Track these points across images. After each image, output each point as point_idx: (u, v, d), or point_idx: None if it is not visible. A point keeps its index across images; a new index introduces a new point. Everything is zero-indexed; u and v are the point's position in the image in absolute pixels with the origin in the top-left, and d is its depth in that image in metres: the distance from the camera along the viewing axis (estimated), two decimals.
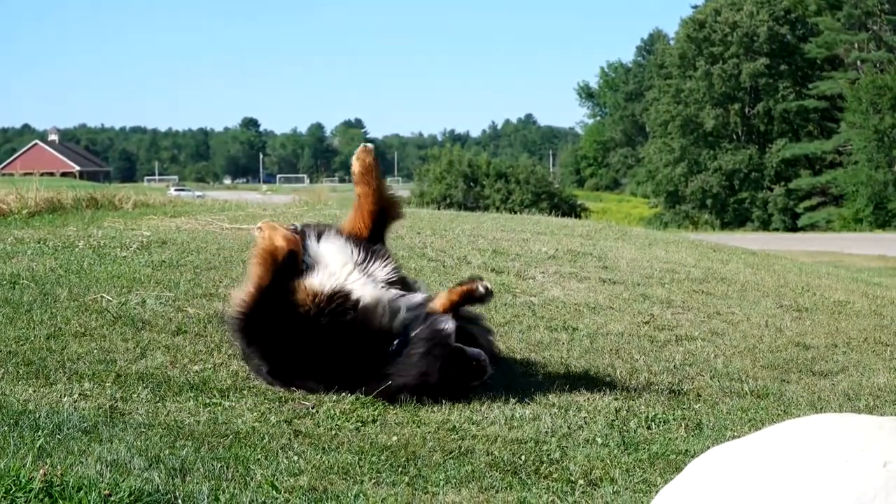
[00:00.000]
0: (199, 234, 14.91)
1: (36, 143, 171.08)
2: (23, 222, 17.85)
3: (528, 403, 7.82)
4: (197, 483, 5.40)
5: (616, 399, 8.25)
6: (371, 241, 8.57)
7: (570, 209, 75.99)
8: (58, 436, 6.08)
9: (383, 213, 8.91)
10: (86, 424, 6.41)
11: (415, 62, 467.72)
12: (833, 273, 19.06)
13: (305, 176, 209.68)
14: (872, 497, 3.51)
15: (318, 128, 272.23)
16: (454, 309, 8.28)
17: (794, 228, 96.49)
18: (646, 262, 15.59)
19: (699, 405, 8.35)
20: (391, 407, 7.54)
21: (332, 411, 7.33)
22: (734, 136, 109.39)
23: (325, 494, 5.52)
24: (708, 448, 4.27)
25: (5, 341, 8.43)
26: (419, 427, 7.09)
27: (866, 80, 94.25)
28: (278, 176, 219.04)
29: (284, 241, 8.10)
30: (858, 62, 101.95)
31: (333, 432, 6.86)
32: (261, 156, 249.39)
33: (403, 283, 8.36)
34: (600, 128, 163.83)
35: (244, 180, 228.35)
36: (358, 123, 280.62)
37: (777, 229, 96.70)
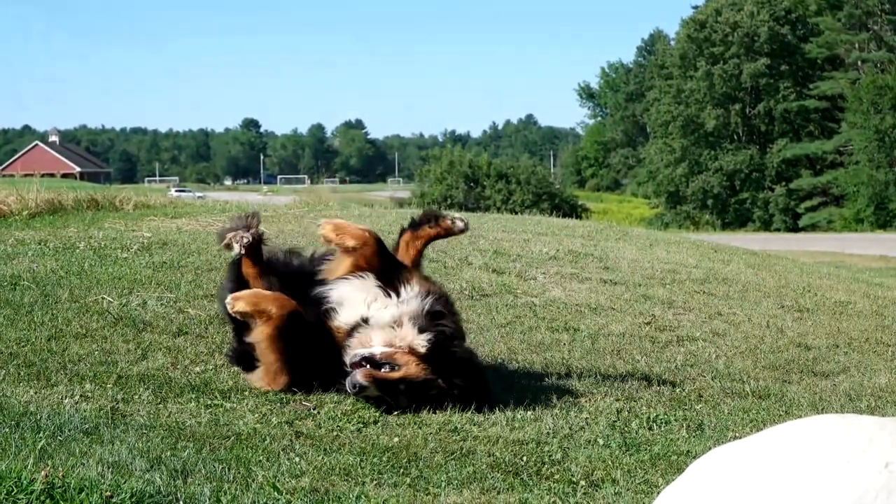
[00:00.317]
0: (199, 236, 14.90)
1: (36, 145, 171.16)
2: (23, 223, 17.85)
3: (530, 404, 7.82)
4: (198, 484, 5.40)
5: (617, 400, 8.25)
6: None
7: (571, 210, 75.99)
8: (59, 437, 6.08)
9: None
10: (87, 426, 6.41)
11: (415, 63, 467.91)
12: (834, 273, 19.06)
13: (306, 177, 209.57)
14: (874, 498, 3.51)
15: (318, 128, 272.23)
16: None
17: (795, 229, 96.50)
18: (647, 263, 15.59)
19: (700, 406, 8.35)
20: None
21: (334, 412, 7.33)
22: (735, 137, 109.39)
23: (327, 496, 5.51)
24: (709, 449, 4.27)
25: (6, 343, 8.44)
26: (421, 428, 7.09)
27: (867, 80, 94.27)
28: (279, 177, 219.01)
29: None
30: (859, 62, 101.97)
31: (335, 433, 6.86)
32: (261, 157, 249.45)
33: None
34: (601, 128, 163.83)
35: (245, 181, 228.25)
36: (358, 124, 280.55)
37: (778, 229, 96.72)
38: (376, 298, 7.98)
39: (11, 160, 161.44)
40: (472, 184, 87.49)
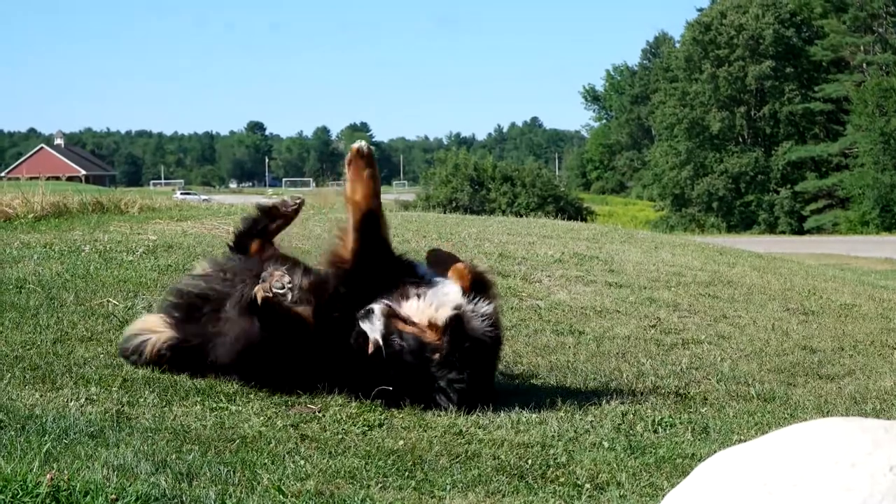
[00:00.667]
0: (205, 239, 14.91)
1: (42, 148, 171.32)
2: (29, 227, 17.84)
3: (535, 407, 7.82)
4: (203, 487, 5.40)
5: (622, 403, 8.24)
6: None
7: (576, 212, 75.92)
8: (64, 440, 6.09)
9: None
10: (92, 429, 6.41)
11: (420, 65, 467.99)
12: (839, 276, 19.06)
13: (311, 179, 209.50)
14: (879, 500, 3.51)
15: (323, 131, 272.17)
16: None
17: (800, 231, 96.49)
18: (652, 266, 15.58)
19: (706, 409, 8.35)
20: (397, 411, 7.54)
21: (339, 415, 7.33)
22: (740, 139, 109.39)
23: (332, 499, 5.52)
24: (714, 452, 4.27)
25: (12, 346, 8.44)
26: (426, 431, 7.09)
27: (872, 82, 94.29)
28: (284, 179, 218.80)
29: None
30: (864, 64, 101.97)
31: (340, 436, 6.86)
32: (266, 159, 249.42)
33: None
34: (606, 131, 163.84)
35: (250, 184, 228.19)
36: (363, 127, 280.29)
37: (783, 232, 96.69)
38: None
39: (17, 163, 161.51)
40: (477, 186, 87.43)
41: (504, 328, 8.71)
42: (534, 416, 7.60)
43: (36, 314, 9.48)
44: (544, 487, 6.07)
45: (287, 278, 7.71)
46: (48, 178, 32.47)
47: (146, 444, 6.16)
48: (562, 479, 6.22)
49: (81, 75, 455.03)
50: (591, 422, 7.58)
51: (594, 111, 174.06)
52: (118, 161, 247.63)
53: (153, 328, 8.30)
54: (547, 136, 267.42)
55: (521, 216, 29.18)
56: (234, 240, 9.05)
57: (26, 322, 9.22)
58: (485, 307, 7.95)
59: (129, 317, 9.56)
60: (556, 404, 7.99)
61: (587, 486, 6.13)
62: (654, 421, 7.74)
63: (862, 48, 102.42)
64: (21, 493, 4.84)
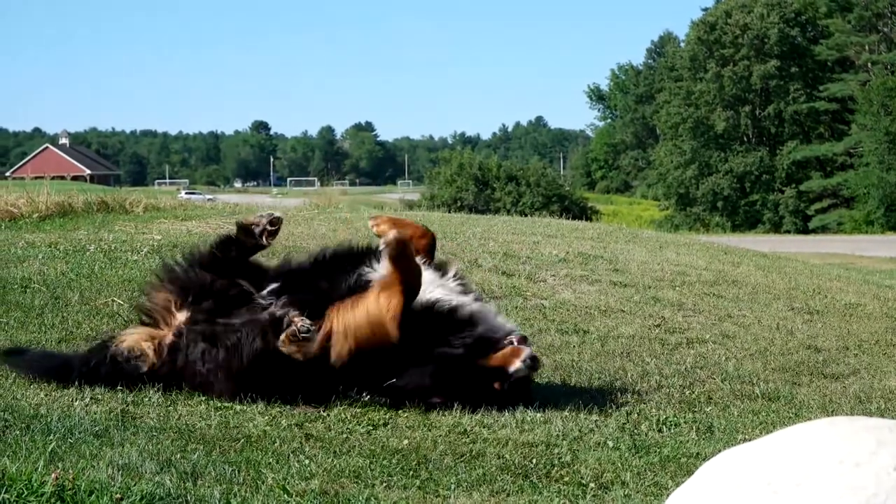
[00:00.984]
0: (209, 238, 14.91)
1: (47, 147, 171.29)
2: (34, 226, 17.87)
3: (539, 407, 7.81)
4: (208, 487, 5.40)
5: (627, 402, 8.24)
6: None
7: (581, 212, 75.86)
8: (69, 440, 6.09)
9: None
10: (97, 428, 6.42)
11: (425, 65, 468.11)
12: (844, 275, 19.04)
13: (316, 179, 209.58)
14: (883, 500, 3.51)
15: (328, 131, 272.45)
16: None
17: (805, 230, 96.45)
18: (657, 265, 15.57)
19: (710, 408, 8.35)
20: (402, 410, 7.54)
21: (343, 415, 7.34)
22: (745, 138, 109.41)
23: (337, 498, 5.51)
24: (719, 451, 4.27)
25: (17, 345, 8.45)
26: (430, 430, 7.09)
27: (877, 81, 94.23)
28: (289, 179, 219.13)
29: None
30: (869, 64, 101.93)
31: (344, 436, 6.87)
32: (271, 159, 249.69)
33: None
34: (611, 130, 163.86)
35: (255, 183, 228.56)
36: (368, 126, 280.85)
37: (788, 231, 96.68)
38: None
39: (22, 163, 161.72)
40: (481, 186, 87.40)
41: None
42: (538, 415, 7.60)
43: (41, 314, 9.49)
44: (549, 486, 6.07)
45: (307, 322, 7.59)
46: (53, 178, 32.49)
47: (151, 444, 6.16)
48: (566, 479, 6.22)
49: (86, 75, 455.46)
50: (596, 421, 7.58)
51: (599, 110, 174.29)
52: (123, 161, 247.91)
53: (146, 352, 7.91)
54: (552, 135, 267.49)
55: (526, 215, 29.18)
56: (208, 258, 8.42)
57: (31, 321, 9.23)
58: None
59: (133, 316, 9.55)
60: (561, 403, 7.99)
61: (592, 485, 6.13)
62: (658, 420, 7.74)
63: (867, 47, 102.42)
64: (26, 493, 4.84)
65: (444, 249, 14.50)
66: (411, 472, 6.13)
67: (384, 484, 5.88)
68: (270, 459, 6.13)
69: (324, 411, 7.40)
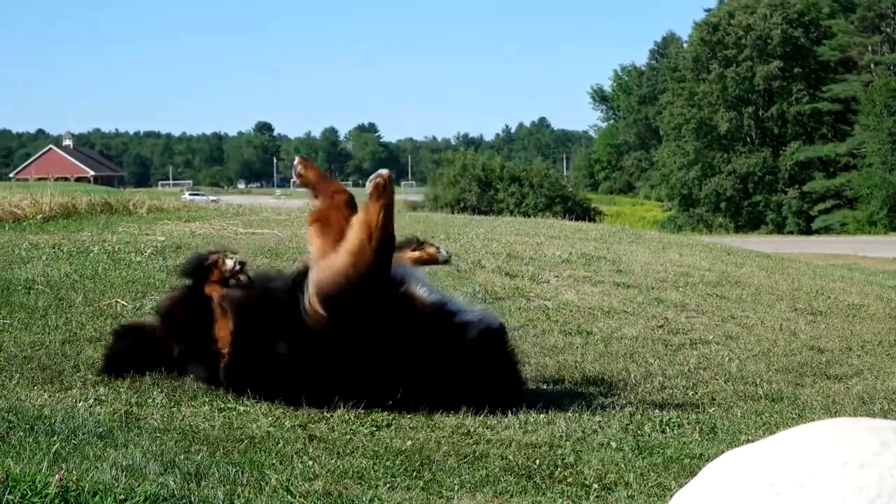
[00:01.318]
0: (213, 239, 14.93)
1: (50, 148, 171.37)
2: (37, 227, 17.88)
3: (543, 408, 7.82)
4: (212, 488, 5.41)
5: (630, 403, 8.25)
6: None
7: (584, 213, 75.92)
8: (73, 441, 6.10)
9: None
10: (101, 429, 6.42)
11: (428, 66, 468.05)
12: (847, 276, 19.05)
13: None
14: (887, 501, 3.51)
15: (331, 132, 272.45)
16: None
17: (808, 231, 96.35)
18: (660, 266, 15.58)
19: (713, 409, 8.35)
20: (405, 411, 7.54)
21: (347, 416, 7.34)
22: (748, 139, 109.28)
23: (340, 499, 5.52)
24: (722, 452, 4.27)
25: (21, 346, 8.46)
26: (434, 431, 7.09)
27: (880, 82, 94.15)
28: (292, 180, 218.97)
29: None
30: (872, 64, 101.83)
31: (348, 437, 6.87)
32: (275, 160, 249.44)
33: None
34: (614, 131, 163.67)
35: (258, 184, 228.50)
36: (371, 127, 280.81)
37: (791, 232, 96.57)
38: None
39: (25, 164, 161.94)
40: (484, 187, 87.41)
41: None
42: (542, 416, 7.61)
43: (45, 315, 9.50)
44: (552, 487, 6.08)
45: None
46: (57, 179, 32.57)
47: (155, 445, 6.17)
48: (570, 480, 6.22)
49: (90, 76, 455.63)
50: (599, 422, 7.59)
51: (602, 111, 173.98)
52: (127, 162, 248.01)
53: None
54: (555, 136, 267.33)
55: (529, 216, 29.23)
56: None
57: (35, 323, 9.24)
58: None
59: (137, 318, 9.57)
60: (564, 404, 7.99)
61: (595, 486, 6.14)
62: (661, 421, 7.75)
63: (870, 48, 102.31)
64: (30, 494, 4.85)
65: (447, 251, 14.48)
66: (415, 473, 6.14)
67: (388, 485, 5.88)
68: (274, 460, 6.13)
69: (327, 412, 7.41)
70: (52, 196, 20.63)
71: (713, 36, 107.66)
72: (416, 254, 8.50)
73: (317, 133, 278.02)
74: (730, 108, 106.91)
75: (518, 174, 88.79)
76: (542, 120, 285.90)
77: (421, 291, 7.81)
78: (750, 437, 7.24)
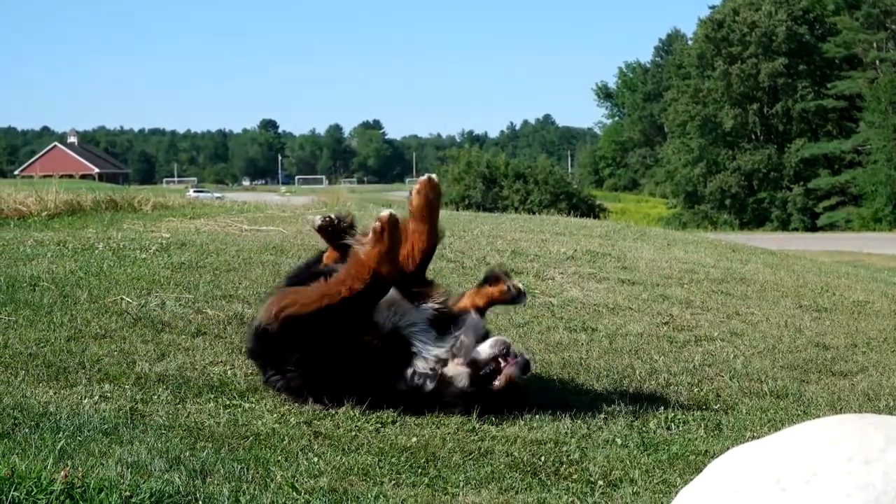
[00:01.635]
0: (218, 236, 14.93)
1: (55, 146, 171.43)
2: (42, 224, 17.91)
3: (548, 404, 7.81)
4: (217, 484, 5.41)
5: (635, 400, 8.24)
6: (416, 278, 8.16)
7: (589, 209, 76.01)
8: (78, 437, 6.10)
9: (432, 250, 8.37)
10: (106, 426, 6.42)
11: (433, 63, 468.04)
12: (852, 273, 19.02)
13: (324, 177, 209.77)
14: (893, 498, 3.51)
15: (336, 129, 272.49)
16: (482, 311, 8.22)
17: (813, 228, 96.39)
18: (665, 263, 15.57)
19: (718, 406, 8.34)
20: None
21: (352, 412, 7.33)
22: (753, 136, 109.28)
23: (345, 496, 5.52)
24: (727, 448, 4.26)
25: (26, 343, 8.46)
26: (439, 428, 7.09)
27: (885, 79, 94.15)
28: (297, 177, 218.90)
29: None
30: (877, 61, 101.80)
31: (353, 433, 6.87)
32: (279, 157, 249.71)
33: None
34: (619, 128, 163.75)
35: (263, 181, 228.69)
36: (376, 124, 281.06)
37: (796, 229, 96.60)
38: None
39: (30, 161, 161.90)
40: (489, 184, 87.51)
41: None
42: (547, 412, 7.60)
43: (50, 312, 9.50)
44: (557, 484, 6.08)
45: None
46: (61, 177, 32.58)
47: (160, 442, 6.17)
48: (575, 476, 6.22)
49: (95, 74, 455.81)
50: (604, 419, 7.58)
51: (607, 108, 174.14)
52: (131, 159, 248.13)
53: None
54: (559, 133, 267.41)
55: (534, 213, 29.18)
56: None
57: (40, 320, 9.23)
58: None
59: (142, 314, 9.57)
60: (569, 401, 7.99)
61: (600, 482, 6.14)
62: (666, 418, 7.74)
63: (875, 45, 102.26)
64: (35, 491, 4.85)
65: (452, 248, 14.53)
66: (420, 470, 6.14)
67: (393, 482, 5.88)
68: (279, 457, 6.13)
69: (332, 409, 7.41)
70: (57, 193, 20.66)
71: (718, 33, 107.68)
72: (490, 289, 8.29)
73: (321, 130, 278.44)
74: (735, 105, 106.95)
75: (523, 171, 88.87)
76: (547, 117, 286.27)
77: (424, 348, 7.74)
78: (755, 434, 7.24)
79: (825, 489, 3.58)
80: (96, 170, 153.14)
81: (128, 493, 4.91)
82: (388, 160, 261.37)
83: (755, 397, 8.76)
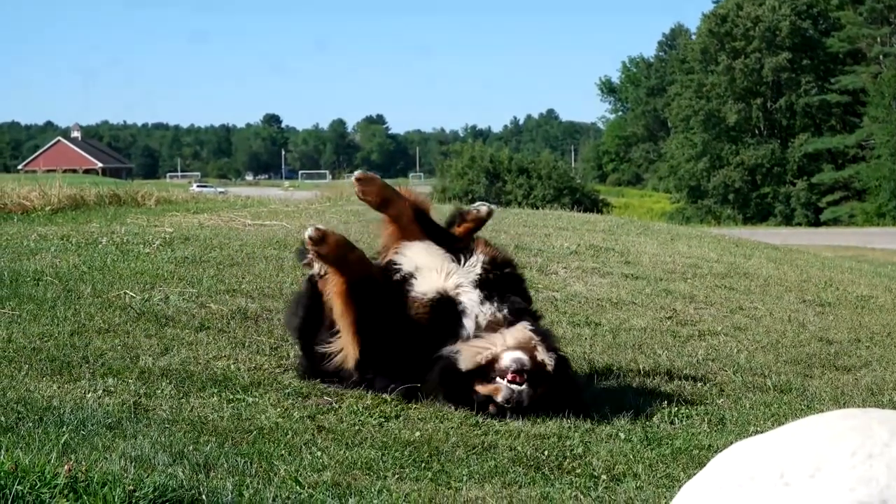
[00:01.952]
0: (221, 231, 14.95)
1: (59, 140, 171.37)
2: (46, 219, 17.91)
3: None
4: (221, 479, 5.41)
5: (639, 394, 8.25)
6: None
7: (592, 204, 75.84)
8: (82, 432, 6.10)
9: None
10: (110, 420, 6.43)
11: (436, 58, 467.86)
12: (856, 268, 19.02)
13: (327, 172, 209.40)
14: None
15: (339, 123, 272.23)
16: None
17: (816, 223, 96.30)
18: (668, 258, 15.57)
19: (722, 400, 8.34)
20: (414, 403, 7.54)
21: (355, 407, 7.34)
22: (756, 131, 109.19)
23: (349, 490, 5.52)
24: (731, 443, 4.26)
25: (30, 338, 8.46)
26: (442, 422, 7.09)
27: (888, 74, 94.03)
28: (300, 172, 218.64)
29: None
30: (881, 56, 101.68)
31: (356, 428, 6.87)
32: (283, 152, 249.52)
33: None
34: (622, 123, 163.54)
35: (266, 176, 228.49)
36: (379, 119, 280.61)
37: (800, 224, 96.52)
38: (450, 269, 7.94)
39: (34, 156, 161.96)
40: (493, 179, 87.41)
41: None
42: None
43: (53, 306, 9.50)
44: (561, 478, 6.08)
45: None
46: (65, 171, 32.64)
47: (163, 436, 6.17)
48: (578, 471, 6.23)
49: (98, 68, 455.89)
50: (608, 413, 7.58)
51: (610, 103, 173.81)
52: (135, 154, 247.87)
53: None
54: (563, 128, 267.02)
55: (538, 208, 29.20)
56: None
57: (44, 314, 9.24)
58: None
59: (145, 309, 9.58)
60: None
61: (603, 477, 6.14)
62: (670, 412, 7.74)
63: (878, 40, 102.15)
64: (39, 484, 4.85)
65: None
66: (423, 464, 6.14)
67: (396, 476, 5.89)
68: (283, 451, 6.14)
69: (336, 403, 7.41)
70: (61, 188, 20.68)
71: (722, 27, 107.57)
72: (462, 228, 8.62)
73: (325, 125, 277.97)
74: (738, 100, 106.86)
75: (526, 166, 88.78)
76: (551, 112, 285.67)
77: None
78: (759, 429, 7.24)
79: (829, 483, 3.58)
80: (100, 164, 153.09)
81: (131, 487, 4.91)
82: (392, 155, 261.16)
83: (759, 392, 8.76)
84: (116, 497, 4.85)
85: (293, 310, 8.60)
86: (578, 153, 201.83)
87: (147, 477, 5.10)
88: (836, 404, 8.39)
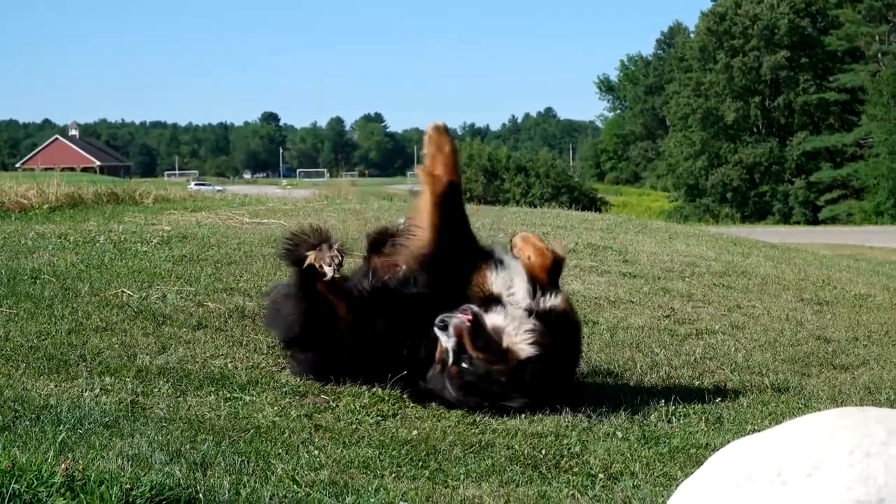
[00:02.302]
0: (219, 229, 14.94)
1: (56, 139, 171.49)
2: (44, 217, 17.90)
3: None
4: (218, 477, 5.41)
5: (636, 393, 8.24)
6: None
7: (590, 203, 75.98)
8: (79, 430, 6.10)
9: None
10: (107, 419, 6.42)
11: (435, 56, 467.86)
12: (854, 266, 19.02)
13: (325, 170, 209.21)
14: (893, 491, 3.51)
15: (337, 122, 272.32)
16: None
17: (814, 221, 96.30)
18: (666, 256, 15.57)
19: (719, 399, 8.34)
20: (411, 401, 7.54)
21: (352, 405, 7.34)
22: (755, 129, 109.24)
23: (346, 488, 5.52)
24: (728, 441, 4.26)
25: (27, 336, 8.46)
26: (439, 421, 7.09)
27: (887, 72, 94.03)
28: (298, 170, 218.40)
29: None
30: (879, 54, 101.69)
31: (354, 426, 6.87)
32: (281, 150, 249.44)
33: None
34: (620, 121, 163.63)
35: (264, 175, 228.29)
36: (378, 117, 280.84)
37: (798, 222, 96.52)
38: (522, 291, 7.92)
39: (31, 154, 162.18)
40: (491, 177, 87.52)
41: (580, 322, 8.64)
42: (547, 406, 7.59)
43: (51, 305, 9.50)
44: (558, 477, 6.08)
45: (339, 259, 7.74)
46: (63, 169, 32.63)
47: (160, 434, 6.17)
48: (575, 469, 6.22)
49: (96, 66, 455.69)
50: (605, 412, 7.58)
51: (608, 101, 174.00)
52: (133, 152, 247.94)
53: None
54: (561, 126, 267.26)
55: (536, 206, 29.21)
56: None
57: (41, 312, 9.23)
58: (557, 302, 7.96)
59: (143, 307, 9.58)
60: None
61: (601, 475, 6.14)
62: (667, 411, 7.74)
63: (877, 38, 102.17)
64: (36, 483, 4.85)
65: None
66: (420, 463, 6.14)
67: (393, 474, 5.88)
68: (280, 450, 6.14)
69: (333, 402, 7.41)
70: (59, 186, 20.67)
71: (720, 26, 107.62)
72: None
73: (323, 123, 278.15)
74: (736, 98, 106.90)
75: (524, 164, 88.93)
76: (549, 110, 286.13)
77: None
78: (756, 427, 7.23)
79: (826, 482, 3.58)
80: (98, 163, 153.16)
81: (128, 486, 4.91)
82: (390, 153, 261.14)
83: (756, 390, 8.76)
84: (113, 496, 4.85)
85: (277, 307, 8.53)
86: (576, 151, 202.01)
87: (144, 475, 5.10)
88: (834, 403, 8.38)
